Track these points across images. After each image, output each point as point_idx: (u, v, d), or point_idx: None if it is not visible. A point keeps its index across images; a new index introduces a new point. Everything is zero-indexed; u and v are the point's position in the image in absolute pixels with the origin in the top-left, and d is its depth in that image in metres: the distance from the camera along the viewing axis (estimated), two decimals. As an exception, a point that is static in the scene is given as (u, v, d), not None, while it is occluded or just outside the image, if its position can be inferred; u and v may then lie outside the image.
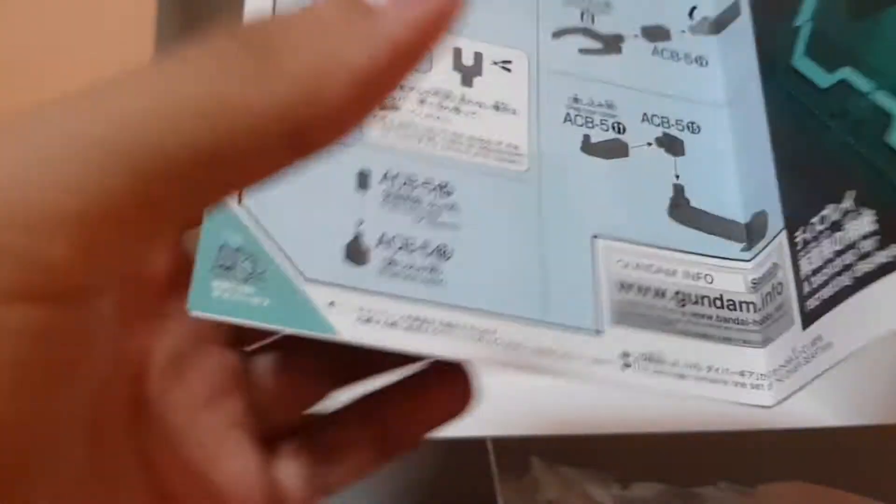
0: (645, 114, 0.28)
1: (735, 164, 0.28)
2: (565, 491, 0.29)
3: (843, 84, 0.24)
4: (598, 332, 0.24)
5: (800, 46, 0.26)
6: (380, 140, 0.25)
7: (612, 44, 0.29)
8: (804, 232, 0.24)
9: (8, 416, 0.11)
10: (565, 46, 0.28)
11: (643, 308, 0.24)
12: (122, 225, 0.11)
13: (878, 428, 0.32)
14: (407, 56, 0.13)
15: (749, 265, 0.26)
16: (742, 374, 0.24)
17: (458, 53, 0.27)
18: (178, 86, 0.11)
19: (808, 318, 0.23)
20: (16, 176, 0.11)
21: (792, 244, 0.24)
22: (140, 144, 0.11)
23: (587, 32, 0.29)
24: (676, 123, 0.28)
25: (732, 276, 0.26)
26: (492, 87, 0.27)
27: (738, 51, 0.29)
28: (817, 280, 0.23)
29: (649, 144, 0.27)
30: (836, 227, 0.23)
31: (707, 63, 0.30)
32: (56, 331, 0.12)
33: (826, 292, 0.22)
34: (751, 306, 0.25)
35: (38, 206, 0.11)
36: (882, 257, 0.21)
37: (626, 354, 0.23)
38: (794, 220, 0.24)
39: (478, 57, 0.27)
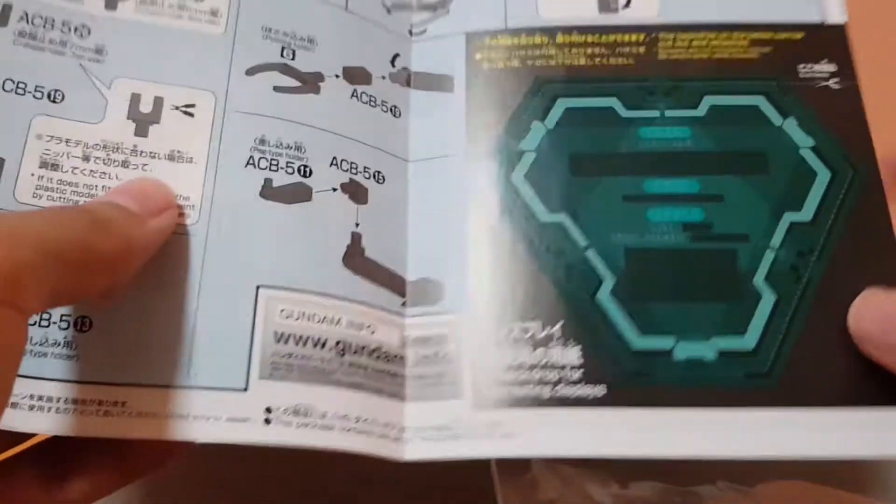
0: (334, 158, 0.28)
1: (412, 222, 0.28)
2: (565, 490, 0.29)
3: (560, 227, 0.28)
4: (244, 389, 0.24)
5: (521, 169, 0.29)
6: (36, 203, 0.24)
7: (310, 82, 0.28)
8: (497, 329, 0.26)
9: None
10: (259, 84, 0.28)
11: (299, 359, 0.24)
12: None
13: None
14: (156, 237, 0.24)
15: (405, 321, 0.27)
16: (386, 425, 0.25)
17: (136, 100, 0.26)
18: (66, 228, 0.21)
19: (486, 403, 0.25)
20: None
21: (477, 332, 0.26)
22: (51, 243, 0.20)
23: (285, 69, 0.28)
24: (364, 171, 0.28)
25: (391, 328, 0.26)
26: (169, 136, 0.26)
27: (442, 124, 0.30)
28: (507, 376, 0.26)
29: (334, 190, 0.27)
30: (538, 343, 0.26)
31: (400, 114, 0.30)
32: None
33: (518, 391, 0.26)
34: (402, 360, 0.26)
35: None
36: (585, 390, 0.25)
37: (269, 409, 0.24)
38: (486, 314, 0.27)
39: (158, 102, 0.26)
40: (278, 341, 0.24)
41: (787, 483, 0.30)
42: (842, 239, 0.27)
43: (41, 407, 0.22)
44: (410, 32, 0.32)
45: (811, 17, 0.31)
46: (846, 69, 0.30)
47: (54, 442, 0.23)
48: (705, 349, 0.26)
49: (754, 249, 0.27)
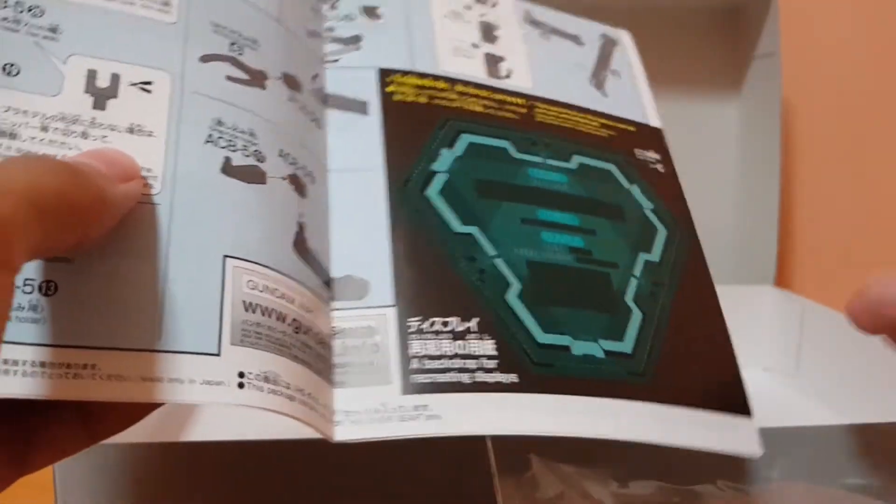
0: (281, 150, 0.29)
1: (333, 224, 0.30)
2: (565, 489, 0.29)
3: (471, 237, 0.31)
4: (216, 353, 0.24)
5: (435, 186, 0.32)
6: None
7: (257, 78, 0.30)
8: (421, 322, 0.29)
9: None
10: (213, 71, 0.28)
11: (266, 329, 0.25)
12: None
13: (877, 428, 0.33)
14: (124, 201, 0.24)
15: (334, 314, 0.29)
16: (325, 406, 0.26)
17: (92, 75, 0.26)
18: (47, 177, 0.20)
19: (413, 388, 0.27)
20: None
21: (403, 325, 0.29)
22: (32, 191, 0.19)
23: (235, 62, 0.29)
24: (302, 168, 0.30)
25: (324, 318, 0.28)
26: (128, 110, 0.26)
27: (358, 142, 0.32)
28: (431, 364, 0.28)
29: (283, 179, 0.29)
30: (457, 335, 0.29)
31: (322, 126, 0.32)
32: None
33: (441, 378, 0.28)
34: (331, 349, 0.28)
35: None
36: (500, 377, 0.28)
37: (241, 374, 0.24)
38: (410, 309, 0.29)
39: (115, 78, 0.26)
40: (247, 310, 0.25)
41: (787, 483, 0.32)
42: (680, 277, 0.34)
43: (6, 370, 0.21)
44: (324, 59, 0.34)
45: (638, 118, 0.39)
46: (666, 159, 0.38)
47: (14, 404, 0.22)
48: (595, 348, 0.30)
49: (622, 276, 0.33)
